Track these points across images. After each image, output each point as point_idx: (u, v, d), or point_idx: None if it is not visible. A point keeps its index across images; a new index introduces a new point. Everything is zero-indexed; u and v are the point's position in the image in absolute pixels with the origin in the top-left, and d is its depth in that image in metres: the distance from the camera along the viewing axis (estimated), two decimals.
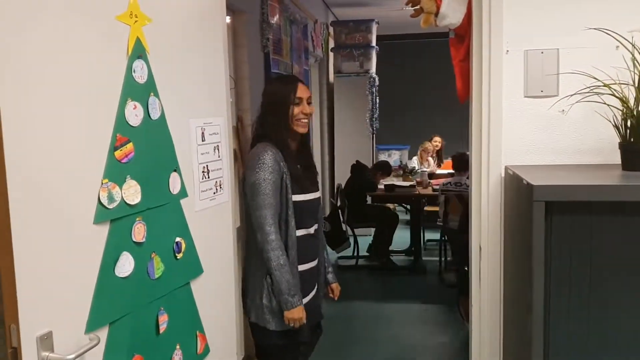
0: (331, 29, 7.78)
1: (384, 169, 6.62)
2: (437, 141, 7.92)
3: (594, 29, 2.07)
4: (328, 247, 3.23)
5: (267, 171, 2.27)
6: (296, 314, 2.27)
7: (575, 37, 2.17)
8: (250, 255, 2.43)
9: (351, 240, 6.25)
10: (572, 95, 2.12)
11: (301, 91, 2.40)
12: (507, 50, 2.22)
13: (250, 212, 2.32)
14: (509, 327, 2.25)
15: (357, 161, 6.55)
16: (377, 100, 7.92)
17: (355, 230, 6.32)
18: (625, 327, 1.70)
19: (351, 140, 7.57)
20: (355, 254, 6.34)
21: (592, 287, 1.69)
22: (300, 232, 2.37)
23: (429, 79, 9.19)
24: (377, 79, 7.82)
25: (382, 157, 8.52)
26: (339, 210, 6.22)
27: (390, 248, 6.29)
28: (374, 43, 7.73)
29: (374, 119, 7.83)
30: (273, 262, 2.23)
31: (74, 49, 1.40)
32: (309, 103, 2.43)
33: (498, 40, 2.21)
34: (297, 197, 2.35)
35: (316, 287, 2.54)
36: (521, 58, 2.22)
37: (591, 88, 2.03)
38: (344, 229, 6.12)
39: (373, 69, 7.77)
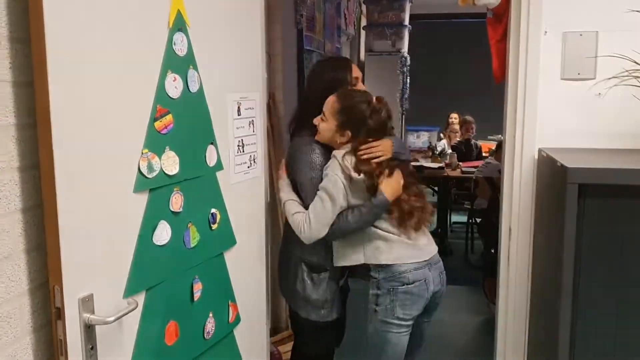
0: (364, 7, 7.70)
1: None
2: (454, 117, 7.73)
3: (636, 11, 2.04)
4: None
5: (317, 170, 2.18)
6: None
7: (615, 20, 2.14)
8: (288, 239, 2.39)
9: None
10: (609, 78, 2.10)
11: (355, 70, 2.28)
12: (546, 32, 2.20)
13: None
14: (536, 308, 2.26)
15: None
16: (408, 80, 7.85)
17: None
18: None
19: None
20: None
21: (623, 271, 1.69)
22: None
23: (462, 61, 9.06)
24: (408, 58, 7.75)
25: (411, 138, 8.46)
26: None
27: None
28: (406, 22, 7.63)
29: (404, 99, 7.77)
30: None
31: (118, 19, 1.43)
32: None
33: (537, 21, 2.19)
34: None
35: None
36: (559, 40, 2.20)
37: (630, 72, 2.00)
38: None
39: (405, 49, 7.69)
